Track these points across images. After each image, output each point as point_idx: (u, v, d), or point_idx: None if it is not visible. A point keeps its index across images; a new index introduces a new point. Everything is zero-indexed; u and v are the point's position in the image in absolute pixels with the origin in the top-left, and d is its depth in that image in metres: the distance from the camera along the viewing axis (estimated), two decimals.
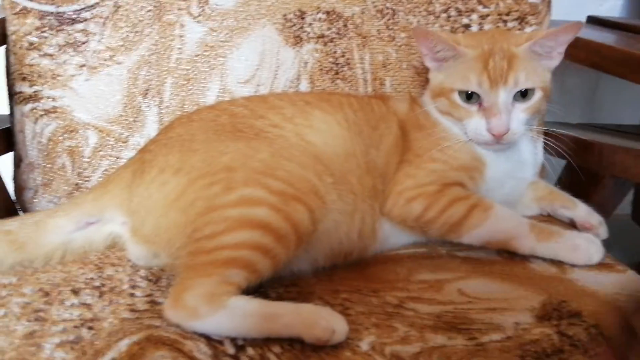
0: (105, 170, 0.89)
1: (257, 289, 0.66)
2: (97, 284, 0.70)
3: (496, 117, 0.74)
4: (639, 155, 0.81)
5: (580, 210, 0.82)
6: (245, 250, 0.63)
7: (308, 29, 0.90)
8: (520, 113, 0.76)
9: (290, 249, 0.65)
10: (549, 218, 0.85)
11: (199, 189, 0.66)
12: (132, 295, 0.68)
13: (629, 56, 0.83)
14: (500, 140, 0.76)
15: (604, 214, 0.81)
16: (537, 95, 0.77)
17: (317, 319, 0.60)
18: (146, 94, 0.89)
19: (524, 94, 0.76)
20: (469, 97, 0.76)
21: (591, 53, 0.86)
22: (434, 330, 0.62)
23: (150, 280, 0.71)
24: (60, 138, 0.88)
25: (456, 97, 0.77)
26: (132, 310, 0.64)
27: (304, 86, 0.91)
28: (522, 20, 0.91)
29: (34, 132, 0.88)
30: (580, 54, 0.83)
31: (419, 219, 0.77)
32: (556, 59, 0.79)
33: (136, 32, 0.88)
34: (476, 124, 0.76)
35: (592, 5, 1.19)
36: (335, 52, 0.91)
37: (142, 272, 0.72)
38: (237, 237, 0.63)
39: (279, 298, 0.67)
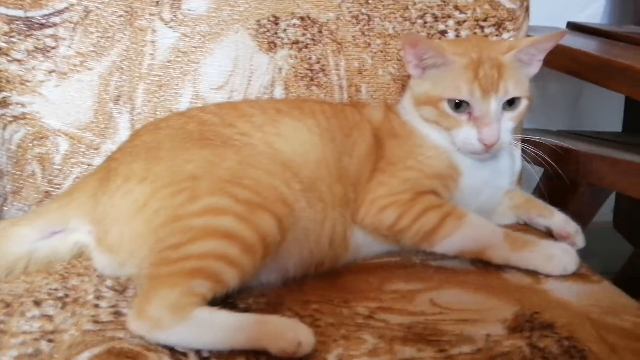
0: (77, 177, 0.87)
1: (225, 300, 0.65)
2: (60, 294, 0.68)
3: (488, 126, 0.74)
4: (615, 163, 0.80)
5: (557, 219, 0.81)
6: (210, 261, 0.61)
7: (282, 35, 0.89)
8: (508, 122, 0.76)
9: (257, 259, 0.63)
10: (526, 227, 0.84)
11: (164, 198, 0.65)
12: (96, 306, 0.66)
13: (606, 63, 0.83)
14: (490, 149, 0.75)
15: (581, 223, 0.80)
16: (523, 104, 0.76)
17: (284, 331, 0.59)
18: (118, 100, 0.88)
19: (510, 103, 0.75)
20: (458, 106, 0.75)
21: (570, 60, 0.86)
22: (403, 342, 0.61)
23: (116, 291, 0.69)
24: (29, 145, 0.87)
25: (445, 106, 0.76)
26: (95, 322, 0.63)
27: (279, 92, 0.90)
28: (499, 26, 0.90)
29: (3, 139, 0.87)
30: (560, 60, 0.83)
31: (392, 228, 0.76)
32: (535, 67, 0.78)
33: (107, 37, 0.87)
34: (466, 133, 0.75)
35: (573, 11, 1.19)
36: (310, 58, 0.90)
37: (109, 282, 0.70)
38: (201, 247, 0.61)
39: (248, 309, 0.66)
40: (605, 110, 1.27)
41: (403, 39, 0.83)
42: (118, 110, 0.88)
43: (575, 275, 0.73)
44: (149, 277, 0.62)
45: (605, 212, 1.22)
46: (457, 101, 0.75)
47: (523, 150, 0.89)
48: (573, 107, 1.30)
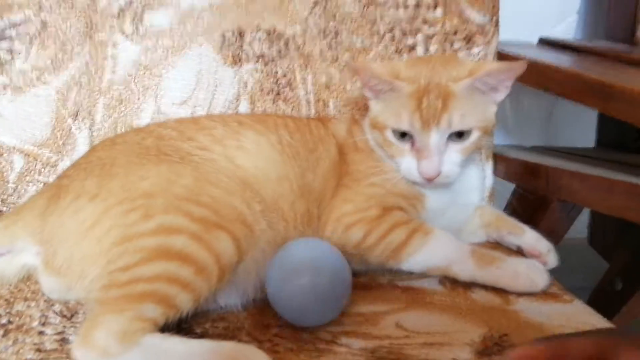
0: (32, 196, 0.83)
1: (180, 325, 0.62)
2: (3, 321, 0.64)
3: (427, 159, 0.71)
4: (585, 179, 0.78)
5: (528, 237, 0.79)
6: (162, 283, 0.58)
7: (247, 48, 0.87)
8: (454, 153, 0.72)
9: (212, 282, 0.60)
10: (497, 245, 0.82)
11: (116, 216, 0.62)
12: (41, 333, 0.62)
13: (577, 78, 0.82)
14: (431, 183, 0.72)
15: (554, 240, 0.78)
16: (474, 136, 0.72)
17: (238, 358, 0.56)
18: (76, 116, 0.85)
19: (460, 134, 0.72)
20: (402, 135, 0.73)
21: (541, 76, 0.84)
22: None
23: (64, 316, 0.65)
24: None
25: (389, 134, 0.74)
26: (38, 350, 0.59)
27: (244, 107, 0.87)
28: (469, 40, 0.89)
29: None
30: (531, 77, 0.81)
31: (359, 246, 0.73)
32: (502, 93, 0.74)
33: (65, 51, 0.84)
34: (408, 163, 0.73)
35: (545, 27, 1.19)
36: (276, 73, 0.88)
37: (57, 307, 0.67)
38: (153, 268, 0.58)
39: (204, 334, 0.63)
40: (579, 125, 1.26)
41: (347, 67, 0.81)
42: (77, 127, 0.85)
43: (546, 295, 0.71)
44: (97, 301, 0.58)
45: (581, 228, 1.21)
46: (400, 131, 0.72)
47: (494, 166, 0.87)
48: (547, 122, 1.29)
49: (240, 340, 0.62)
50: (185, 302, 0.59)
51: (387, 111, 0.74)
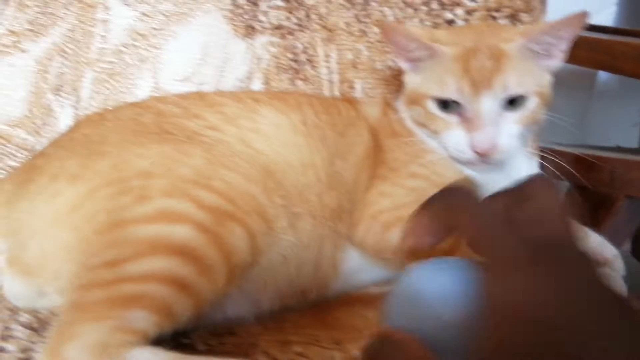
0: None
1: (179, 339, 0.51)
2: None
3: (480, 130, 0.60)
4: None
5: (593, 241, 0.67)
6: (156, 285, 0.46)
7: (263, 18, 0.76)
8: (511, 124, 0.62)
9: (218, 285, 0.49)
10: None
11: (103, 199, 0.50)
12: (1, 350, 0.49)
13: None
14: (486, 159, 0.61)
15: (615, 244, 0.66)
16: (533, 103, 0.62)
17: None
18: (59, 90, 0.74)
19: (516, 101, 0.62)
20: (448, 105, 0.62)
21: (597, 51, 0.73)
22: None
23: (32, 329, 0.53)
24: None
25: (431, 106, 0.63)
26: None
27: (257, 86, 0.76)
28: (513, 17, 0.78)
29: None
30: (581, 53, 0.70)
31: (399, 250, 0.61)
32: (558, 58, 0.65)
33: (48, 13, 0.73)
34: (456, 138, 0.62)
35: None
36: (295, 47, 0.76)
37: (24, 318, 0.54)
38: (145, 265, 0.47)
39: (210, 352, 0.52)
40: (616, 127, 1.17)
41: (380, 28, 0.69)
42: (59, 103, 0.74)
43: None
44: (72, 305, 0.46)
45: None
46: (446, 100, 0.62)
47: (541, 164, 0.76)
48: (580, 124, 1.19)
49: None
50: (184, 310, 0.47)
51: (429, 80, 0.63)
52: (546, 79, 0.65)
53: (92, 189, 0.51)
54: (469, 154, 0.61)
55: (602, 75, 1.19)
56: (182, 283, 0.47)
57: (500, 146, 0.61)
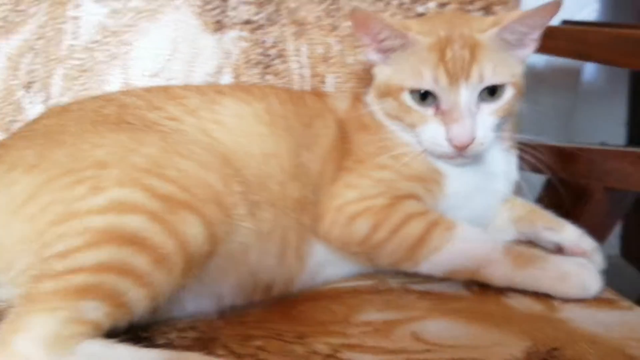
0: None
1: (138, 334, 0.50)
2: None
3: (457, 122, 0.59)
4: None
5: (570, 233, 0.66)
6: (109, 275, 0.46)
7: (232, 13, 0.75)
8: (488, 116, 0.61)
9: (175, 275, 0.48)
10: (531, 245, 0.68)
11: (57, 189, 0.49)
12: None
13: (620, 37, 0.68)
14: (463, 152, 0.60)
15: (597, 238, 0.64)
16: (509, 93, 0.61)
17: None
18: (29, 87, 0.74)
19: (492, 92, 0.61)
20: (423, 97, 0.61)
21: (574, 41, 0.72)
22: None
23: None
24: None
25: (407, 98, 0.62)
26: None
27: (227, 81, 0.76)
28: (487, 10, 0.77)
29: None
30: (560, 44, 0.69)
31: (365, 242, 0.60)
32: (530, 47, 0.64)
33: (19, 10, 0.74)
34: (433, 131, 0.61)
35: (568, 11, 1.09)
36: (264, 42, 0.76)
37: None
38: (98, 255, 0.46)
39: (169, 346, 0.51)
40: (604, 126, 1.15)
41: (350, 17, 0.67)
42: (29, 100, 0.74)
43: (599, 301, 0.57)
44: (24, 297, 0.46)
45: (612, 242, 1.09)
46: (422, 91, 0.60)
47: (519, 157, 0.75)
48: (567, 123, 1.18)
49: (214, 354, 0.49)
50: (138, 300, 0.46)
51: (403, 71, 0.62)
52: (519, 69, 0.64)
53: (47, 179, 0.50)
54: (446, 148, 0.60)
55: (587, 74, 1.18)
56: (136, 273, 0.46)
57: (478, 138, 0.60)
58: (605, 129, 1.13)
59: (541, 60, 1.12)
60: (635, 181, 0.64)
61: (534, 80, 1.31)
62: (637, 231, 1.02)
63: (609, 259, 0.68)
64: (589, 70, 1.19)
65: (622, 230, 1.07)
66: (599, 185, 0.68)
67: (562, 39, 0.71)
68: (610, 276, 0.66)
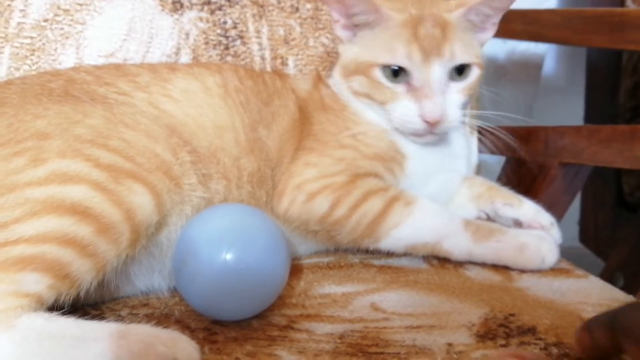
0: None
1: (86, 311, 0.49)
2: None
3: (429, 99, 0.58)
4: (595, 131, 0.66)
5: (527, 208, 0.66)
6: (51, 245, 0.43)
7: None
8: (456, 94, 0.61)
9: (120, 245, 0.46)
10: (490, 221, 0.69)
11: None
12: None
13: (572, 15, 0.70)
14: (434, 129, 0.60)
15: (555, 215, 0.65)
16: (475, 73, 0.62)
17: (153, 344, 0.41)
18: None
19: (459, 72, 0.61)
20: (395, 74, 0.60)
21: (529, 23, 0.73)
22: (333, 356, 0.43)
23: None
24: None
25: (378, 74, 0.61)
26: None
27: (185, 62, 0.73)
28: None
29: None
30: (516, 27, 0.70)
31: (325, 219, 0.58)
32: (490, 31, 0.65)
33: None
34: (404, 108, 0.60)
35: (530, 4, 1.11)
36: (225, 23, 0.74)
37: None
38: (39, 225, 0.43)
39: (119, 322, 0.46)
40: (563, 118, 1.17)
41: None
42: None
43: (555, 271, 0.58)
44: None
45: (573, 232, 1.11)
46: (394, 68, 0.60)
47: (479, 140, 0.75)
48: (527, 114, 1.19)
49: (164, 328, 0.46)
50: (83, 272, 0.44)
51: (374, 47, 0.61)
52: (480, 52, 0.65)
53: None
54: (417, 124, 0.60)
55: (547, 68, 1.21)
56: (79, 243, 0.44)
57: (447, 115, 0.59)
58: (564, 122, 1.15)
59: (502, 52, 1.13)
60: (588, 155, 0.65)
61: (496, 73, 1.33)
62: (594, 216, 1.04)
63: (569, 250, 0.69)
64: (549, 64, 1.21)
65: (581, 215, 1.08)
66: (555, 162, 0.69)
67: (517, 22, 0.72)
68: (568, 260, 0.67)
